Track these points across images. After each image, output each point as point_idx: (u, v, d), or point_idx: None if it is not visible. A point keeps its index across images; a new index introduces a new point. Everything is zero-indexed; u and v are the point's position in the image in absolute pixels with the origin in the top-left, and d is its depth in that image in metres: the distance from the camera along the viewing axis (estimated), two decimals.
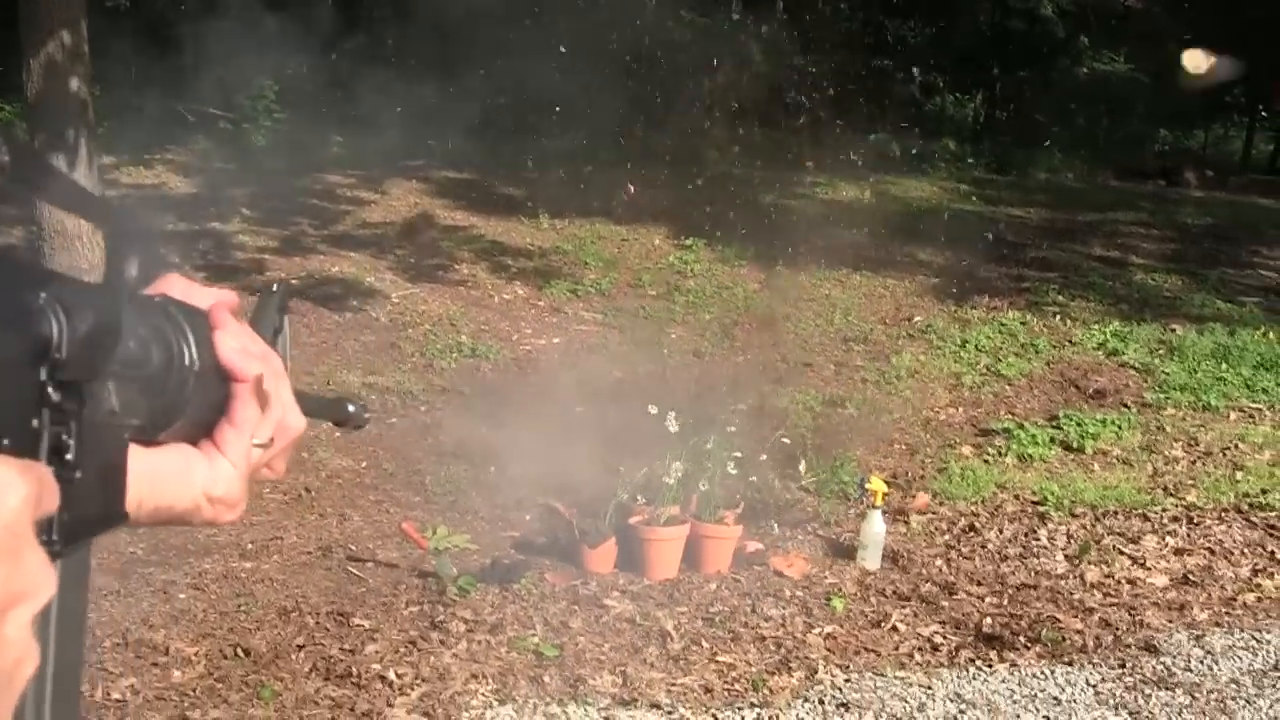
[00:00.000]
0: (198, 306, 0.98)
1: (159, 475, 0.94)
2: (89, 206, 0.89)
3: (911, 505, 7.15)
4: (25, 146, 0.74)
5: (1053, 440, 8.16)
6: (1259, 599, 6.26)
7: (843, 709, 5.05)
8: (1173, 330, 10.63)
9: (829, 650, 5.53)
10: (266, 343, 1.07)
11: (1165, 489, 7.51)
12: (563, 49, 13.80)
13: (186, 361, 0.93)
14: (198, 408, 0.96)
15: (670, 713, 4.97)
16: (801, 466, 7.17)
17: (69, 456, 0.76)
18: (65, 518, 0.76)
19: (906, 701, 5.14)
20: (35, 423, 0.74)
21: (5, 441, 0.71)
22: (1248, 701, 5.26)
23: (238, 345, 0.99)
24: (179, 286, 0.99)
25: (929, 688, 5.26)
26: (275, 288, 1.15)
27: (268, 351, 1.04)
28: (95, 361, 0.80)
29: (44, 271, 0.77)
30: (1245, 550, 6.78)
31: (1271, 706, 5.23)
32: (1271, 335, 10.40)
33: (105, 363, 0.81)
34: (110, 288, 0.85)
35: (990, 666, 5.47)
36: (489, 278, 11.30)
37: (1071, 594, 6.19)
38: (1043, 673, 5.43)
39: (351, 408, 1.20)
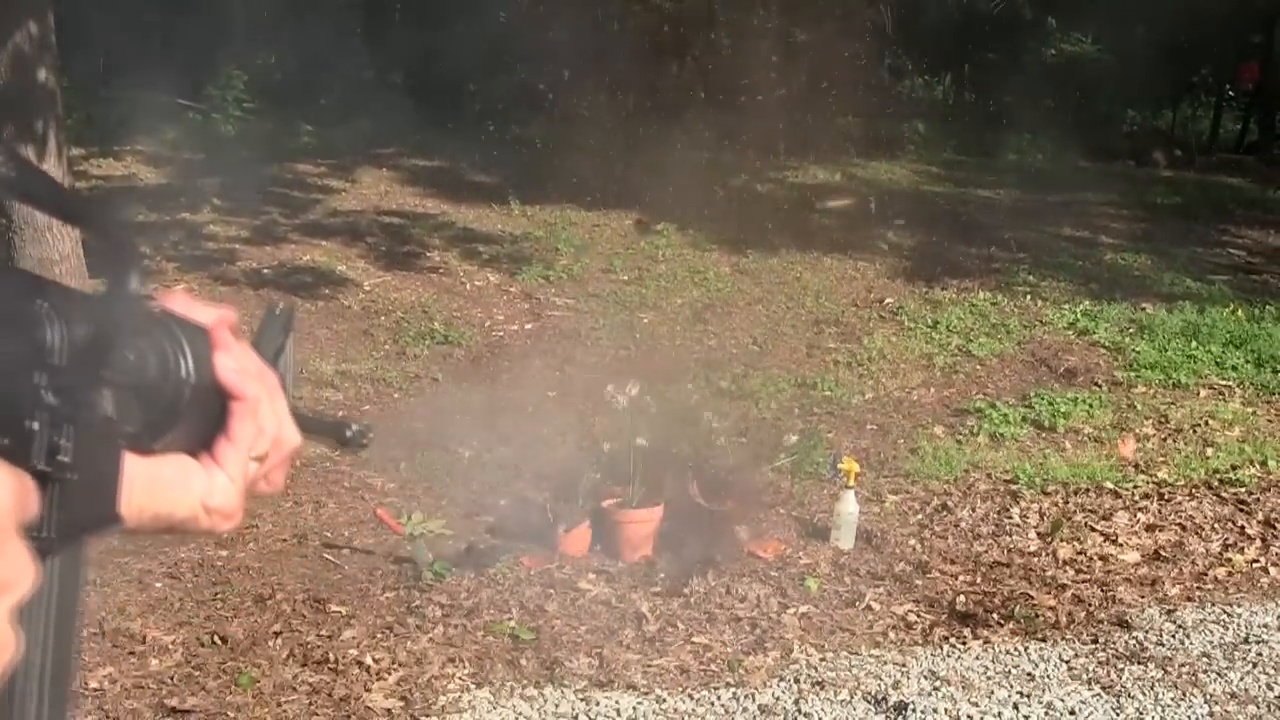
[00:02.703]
0: (198, 322, 1.00)
1: (158, 483, 0.96)
2: (88, 218, 0.92)
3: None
4: (26, 161, 0.77)
5: (1024, 419, 8.20)
6: (1229, 574, 6.31)
7: (818, 688, 5.09)
8: (1143, 309, 10.68)
9: (804, 630, 5.56)
10: (267, 362, 1.10)
11: (1136, 466, 7.56)
12: (533, 35, 13.81)
13: (182, 374, 0.96)
14: (193, 420, 0.98)
15: (646, 694, 5.00)
16: (774, 448, 7.20)
17: (65, 458, 0.79)
18: (60, 517, 0.78)
19: (881, 679, 5.17)
20: (31, 425, 0.77)
21: (4, 441, 0.74)
22: (1219, 674, 5.31)
23: (236, 365, 1.02)
24: (181, 302, 1.02)
25: (903, 665, 5.30)
26: (279, 309, 1.19)
27: (265, 370, 1.07)
28: (91, 368, 0.83)
29: (45, 282, 0.81)
30: (1216, 526, 6.83)
31: (1242, 679, 5.28)
32: (1240, 313, 10.45)
33: (101, 370, 0.84)
34: (109, 299, 0.88)
35: (964, 644, 5.51)
36: (461, 264, 11.29)
37: (1044, 571, 6.24)
38: (1016, 649, 5.47)
39: (351, 430, 1.22)
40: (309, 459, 7.22)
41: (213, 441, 1.01)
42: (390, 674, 5.06)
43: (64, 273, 8.38)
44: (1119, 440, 7.84)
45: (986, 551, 6.43)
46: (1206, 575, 6.29)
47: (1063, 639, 5.59)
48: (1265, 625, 5.75)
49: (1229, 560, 6.45)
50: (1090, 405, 8.39)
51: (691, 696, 5.00)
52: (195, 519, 1.00)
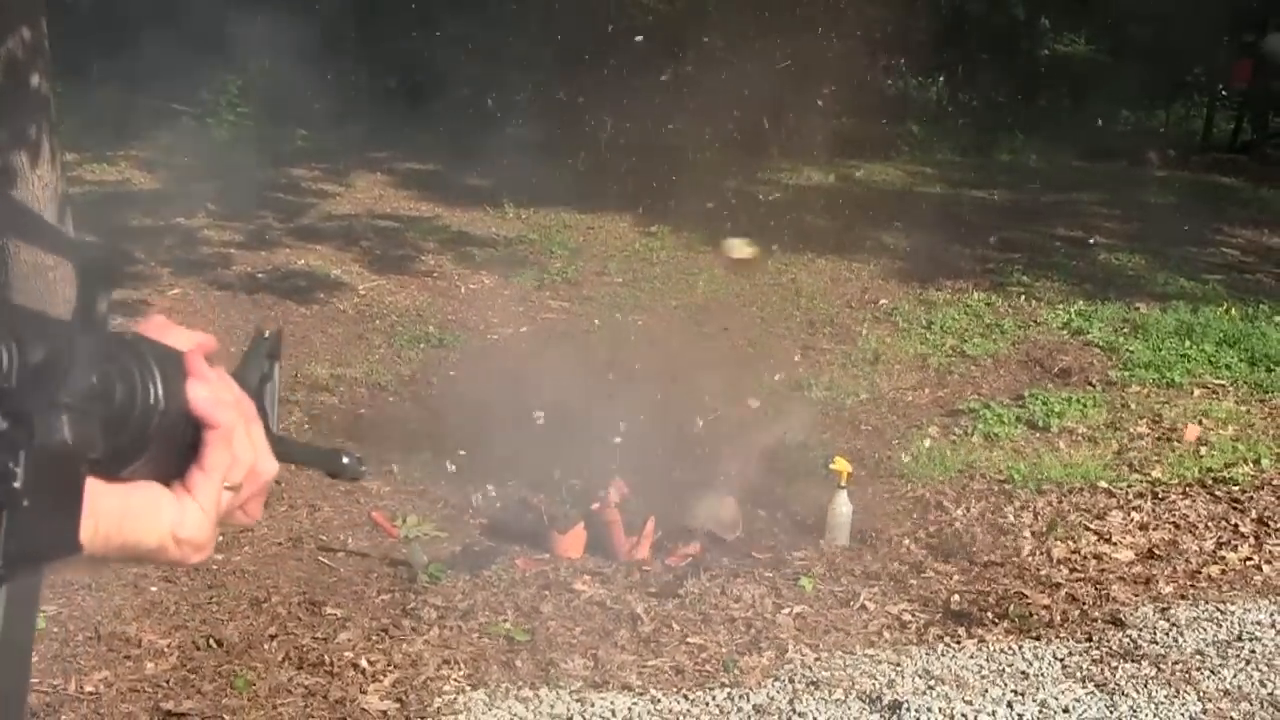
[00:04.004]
0: (173, 348, 0.99)
1: (127, 512, 0.95)
2: (59, 243, 0.91)
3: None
4: (3, 193, 0.77)
5: (1019, 419, 8.21)
6: (1223, 572, 6.33)
7: (813, 687, 5.10)
8: (1137, 309, 10.69)
9: (798, 630, 5.57)
10: (251, 388, 1.08)
11: (1130, 465, 7.57)
12: (527, 37, 13.82)
13: (151, 400, 0.94)
14: (164, 448, 0.97)
15: (641, 694, 5.01)
16: (767, 448, 7.21)
17: (15, 484, 0.78)
18: (11, 545, 0.77)
19: (876, 679, 5.19)
20: None
21: None
22: (1212, 672, 5.33)
23: (209, 393, 1.00)
24: (157, 327, 1.01)
25: (898, 665, 5.31)
26: (266, 335, 1.17)
27: (242, 398, 1.06)
28: (46, 392, 0.82)
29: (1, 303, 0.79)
30: (1209, 524, 6.84)
31: (1235, 676, 5.29)
32: (1234, 312, 10.47)
33: (55, 395, 0.83)
34: (70, 323, 0.86)
35: (959, 643, 5.52)
36: (455, 268, 11.30)
37: (1038, 570, 6.25)
38: (1010, 648, 5.48)
39: (346, 459, 1.20)
40: None
41: (186, 470, 1.00)
42: (386, 676, 5.07)
43: (58, 278, 8.36)
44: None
45: (981, 551, 6.44)
46: (1200, 573, 6.30)
47: (1057, 637, 5.60)
48: (1258, 623, 5.77)
49: (1222, 558, 6.46)
50: (1084, 405, 8.41)
51: (686, 697, 5.01)
52: (164, 549, 0.99)
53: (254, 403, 1.07)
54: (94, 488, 0.88)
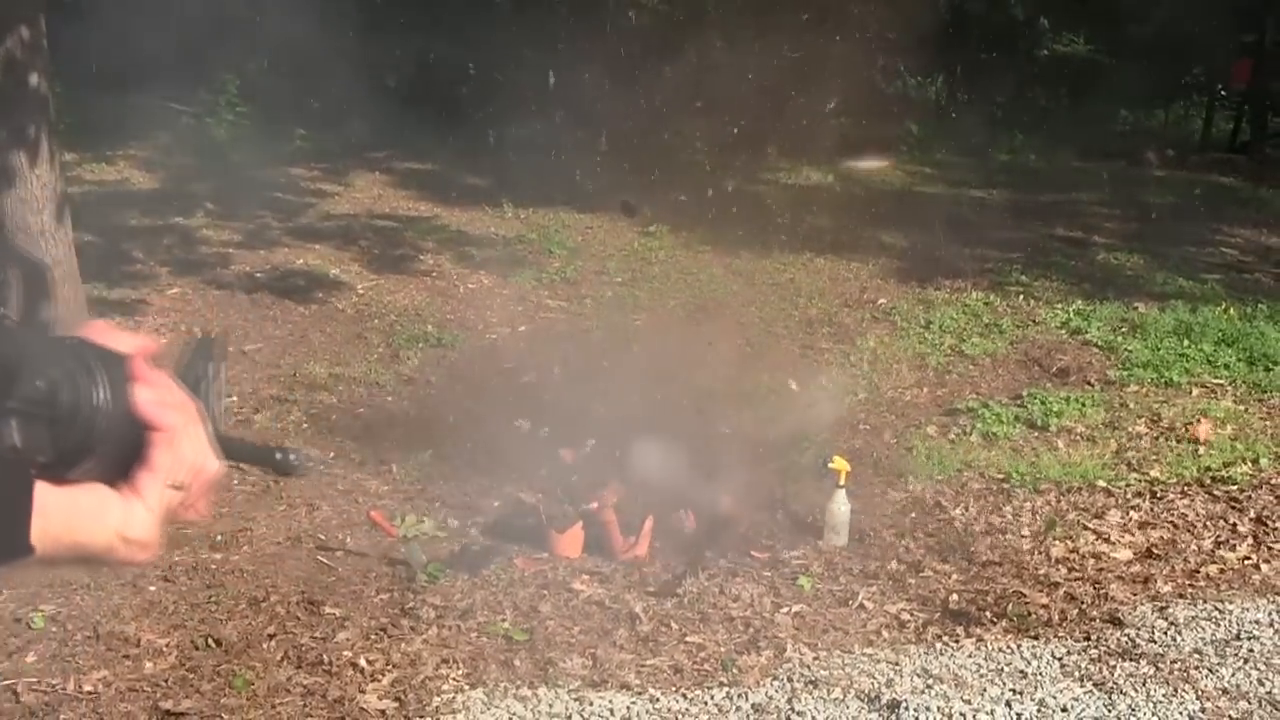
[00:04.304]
0: (117, 351, 1.00)
1: (75, 513, 0.96)
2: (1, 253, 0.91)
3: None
4: None
5: (1017, 419, 8.21)
6: (1221, 571, 6.32)
7: (811, 686, 5.10)
8: (1135, 308, 10.70)
9: (797, 629, 5.57)
10: (194, 389, 1.09)
11: (1129, 464, 7.57)
12: (526, 38, 13.81)
13: (96, 403, 0.95)
14: (110, 450, 0.98)
15: (640, 693, 5.01)
16: (767, 448, 7.21)
17: None
18: None
19: (874, 678, 5.18)
20: None
21: None
22: (1210, 670, 5.33)
23: (154, 396, 1.01)
24: (100, 331, 1.01)
25: (896, 664, 5.31)
26: (208, 337, 1.18)
27: (185, 400, 1.07)
28: None
29: None
30: (1208, 523, 6.85)
31: (1233, 675, 5.29)
32: (1232, 311, 10.48)
33: (2, 400, 0.83)
34: (15, 329, 0.86)
35: (957, 642, 5.52)
36: (454, 267, 11.30)
37: (1037, 569, 6.25)
38: (1009, 647, 5.48)
39: (282, 455, 1.21)
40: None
41: (132, 471, 1.00)
42: (384, 675, 5.07)
43: (57, 278, 8.36)
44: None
45: (979, 550, 6.43)
46: (1198, 572, 6.30)
47: (1055, 637, 5.60)
48: (1256, 622, 5.77)
49: (1221, 558, 6.46)
50: (1083, 404, 8.41)
51: (685, 696, 5.01)
52: (112, 549, 1.00)
53: (197, 403, 1.08)
54: (43, 490, 0.89)
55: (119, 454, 0.99)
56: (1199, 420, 8.04)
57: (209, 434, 1.08)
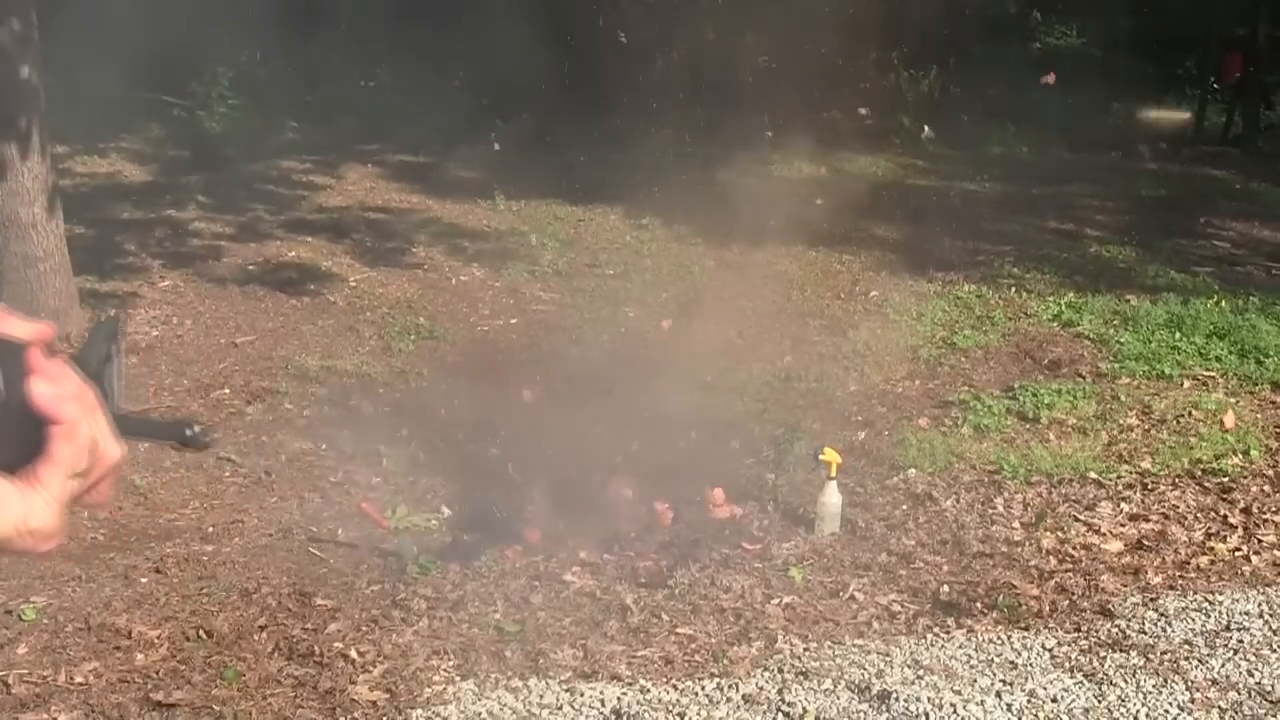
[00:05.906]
0: (13, 340, 1.00)
1: None
2: None
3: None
4: None
5: (1009, 411, 8.21)
6: (1211, 562, 6.33)
7: (802, 677, 5.10)
8: (1127, 301, 10.70)
9: (788, 620, 5.58)
10: (93, 371, 1.09)
11: (1120, 456, 7.58)
12: (516, 29, 13.80)
13: None
14: (7, 439, 0.98)
15: (631, 684, 5.02)
16: (758, 440, 7.22)
17: None
18: None
19: (865, 669, 5.19)
20: None
21: None
22: (1200, 661, 5.34)
23: (51, 389, 1.01)
24: None
25: (887, 655, 5.32)
26: (105, 319, 1.18)
27: (82, 389, 1.06)
28: None
29: None
30: (1198, 515, 6.85)
31: (1223, 665, 5.31)
32: (1224, 304, 10.49)
33: None
34: None
35: (948, 633, 5.53)
36: (446, 260, 11.30)
37: (1028, 561, 6.25)
38: (999, 638, 5.49)
39: (189, 431, 1.21)
40: (294, 453, 7.24)
41: (31, 460, 1.01)
42: (375, 666, 5.07)
43: (48, 270, 8.37)
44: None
45: (970, 542, 6.44)
46: (1189, 564, 6.31)
47: (1045, 628, 5.61)
48: (1246, 613, 5.78)
49: (1211, 549, 6.47)
50: (1074, 396, 8.41)
51: (676, 687, 5.02)
52: (12, 540, 1.00)
53: (96, 387, 1.08)
54: None
55: (17, 443, 0.99)
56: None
57: (109, 419, 1.08)
